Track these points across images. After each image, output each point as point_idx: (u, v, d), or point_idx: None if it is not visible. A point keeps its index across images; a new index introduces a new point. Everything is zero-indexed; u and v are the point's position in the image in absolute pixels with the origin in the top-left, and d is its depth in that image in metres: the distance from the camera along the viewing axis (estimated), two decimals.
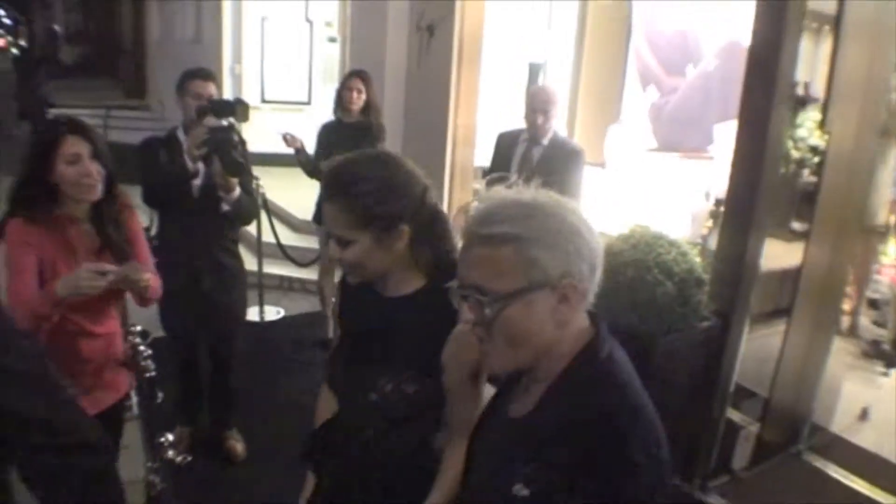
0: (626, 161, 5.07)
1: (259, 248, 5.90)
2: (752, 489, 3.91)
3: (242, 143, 3.75)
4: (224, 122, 3.56)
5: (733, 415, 3.94)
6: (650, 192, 4.78)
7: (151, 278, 2.64)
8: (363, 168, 1.77)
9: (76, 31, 25.04)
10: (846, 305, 4.78)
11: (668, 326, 3.38)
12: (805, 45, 3.63)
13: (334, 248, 1.77)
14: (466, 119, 5.81)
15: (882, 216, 4.72)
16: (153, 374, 2.63)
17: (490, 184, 4.49)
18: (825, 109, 3.86)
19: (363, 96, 5.10)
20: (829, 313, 4.09)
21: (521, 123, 4.51)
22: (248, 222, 4.10)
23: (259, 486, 3.79)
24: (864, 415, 4.46)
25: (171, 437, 2.27)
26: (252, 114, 3.83)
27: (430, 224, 1.81)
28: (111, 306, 2.70)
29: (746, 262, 3.54)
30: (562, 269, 1.32)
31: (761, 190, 3.47)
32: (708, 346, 3.60)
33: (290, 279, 6.67)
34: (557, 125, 4.48)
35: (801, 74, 4.16)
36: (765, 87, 3.42)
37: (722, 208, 3.79)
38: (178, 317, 3.88)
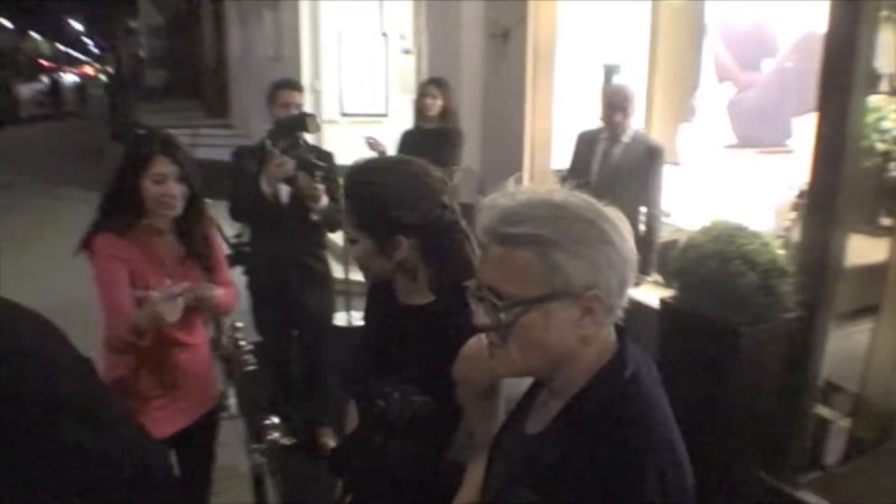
0: (702, 158, 5.07)
1: (345, 255, 6.05)
2: (845, 485, 3.85)
3: (322, 153, 3.94)
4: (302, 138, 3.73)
5: (823, 411, 3.91)
6: (729, 188, 4.77)
7: (223, 293, 2.72)
8: (373, 174, 1.80)
9: (160, 55, 25.99)
10: None
11: (753, 318, 3.38)
12: (890, 37, 3.60)
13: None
14: (543, 122, 5.87)
15: None
16: (253, 367, 2.73)
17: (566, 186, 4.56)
18: None
19: (439, 102, 5.23)
20: None
21: (598, 124, 4.57)
22: (334, 230, 4.20)
23: None
24: None
25: (275, 419, 2.37)
26: (332, 128, 4.02)
27: (440, 241, 1.75)
28: (199, 315, 2.77)
29: (830, 255, 3.51)
30: (587, 279, 1.22)
31: (843, 183, 3.44)
32: (794, 338, 3.59)
33: None
34: (635, 124, 4.51)
35: (886, 67, 4.11)
36: (841, 78, 3.40)
37: (804, 200, 3.77)
38: (269, 319, 4.06)
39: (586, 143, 4.54)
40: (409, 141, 5.40)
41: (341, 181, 1.97)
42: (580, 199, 1.28)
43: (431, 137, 5.25)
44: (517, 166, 5.91)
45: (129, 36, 35.92)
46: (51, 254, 7.34)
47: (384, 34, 9.29)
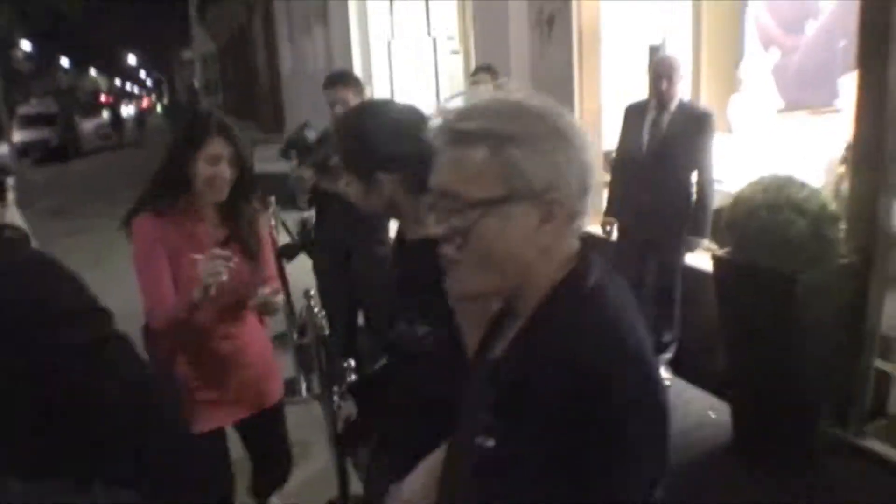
0: (753, 125, 5.13)
1: None
2: None
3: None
4: None
5: (885, 366, 3.95)
6: (781, 152, 4.83)
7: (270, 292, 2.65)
8: (352, 116, 1.94)
9: (214, 80, 26.68)
10: None
11: (806, 264, 3.46)
12: None
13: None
14: (591, 105, 5.98)
15: None
16: (327, 332, 2.70)
17: (616, 161, 4.65)
18: None
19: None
20: None
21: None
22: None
23: None
24: None
25: (352, 362, 2.46)
26: None
27: (422, 174, 1.76)
28: (246, 310, 2.74)
29: (879, 208, 3.59)
30: (546, 179, 1.14)
31: (886, 139, 3.52)
32: (850, 287, 3.65)
33: None
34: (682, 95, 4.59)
35: None
36: (880, 33, 3.48)
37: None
38: (334, 297, 4.26)
39: (634, 114, 4.62)
40: None
41: None
42: (540, 98, 1.20)
43: None
44: None
45: (183, 67, 36.95)
46: (117, 269, 7.73)
47: (432, 37, 9.49)
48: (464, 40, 8.17)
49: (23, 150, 24.29)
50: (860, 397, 3.88)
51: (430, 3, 9.39)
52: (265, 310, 2.74)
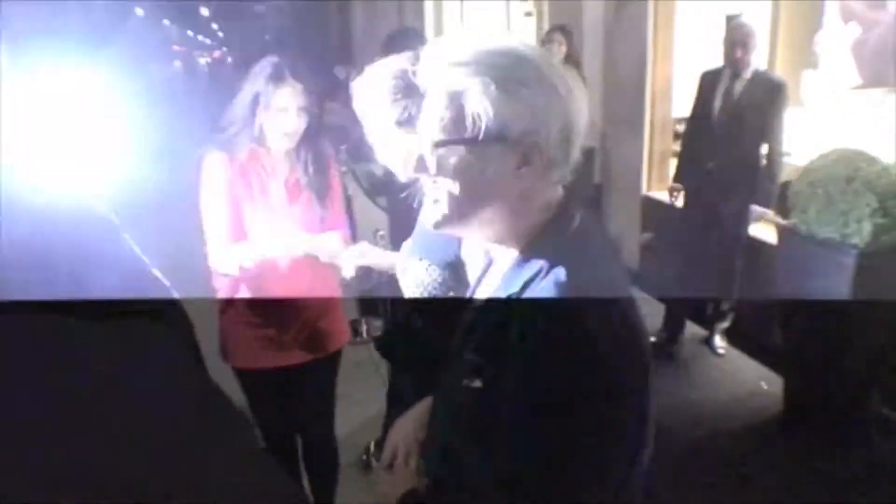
0: (827, 100, 5.06)
1: None
2: None
3: None
4: None
5: None
6: (854, 128, 4.76)
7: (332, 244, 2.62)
8: None
9: (285, 36, 26.89)
10: None
11: (871, 240, 3.46)
12: None
13: None
14: (664, 71, 5.96)
15: None
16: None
17: (687, 126, 4.61)
18: None
19: (563, 48, 5.44)
20: None
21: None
22: None
23: None
24: None
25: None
26: None
27: None
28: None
29: None
30: (525, 123, 1.15)
31: None
32: None
33: None
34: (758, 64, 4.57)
35: None
36: None
37: None
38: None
39: (708, 81, 4.61)
40: None
41: None
42: (532, 48, 1.22)
43: None
44: (638, 115, 6.03)
45: (255, 20, 37.32)
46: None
47: None
48: (537, 2, 8.14)
49: None
50: None
51: None
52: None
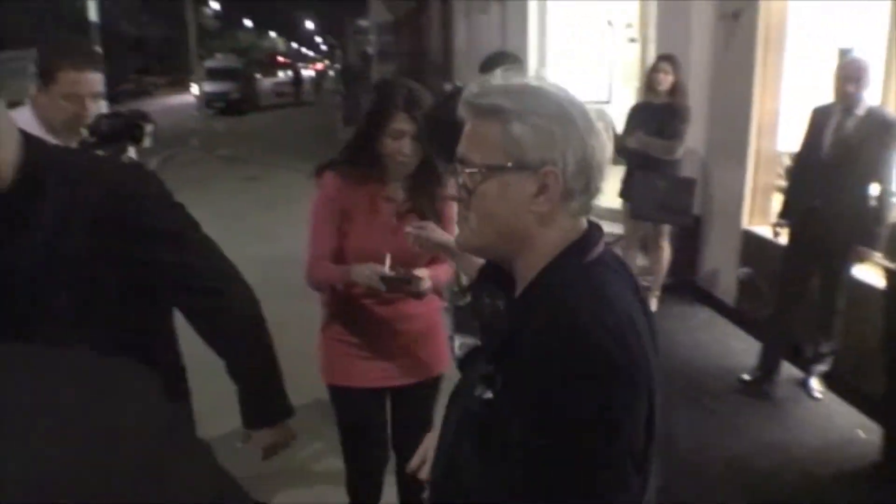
0: None
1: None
2: None
3: None
4: None
5: None
6: None
7: (433, 275, 2.58)
8: None
9: (388, 50, 27.35)
10: None
11: None
12: None
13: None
14: (771, 104, 5.83)
15: None
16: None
17: (796, 162, 4.53)
18: None
19: (670, 77, 5.42)
20: None
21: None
22: None
23: None
24: None
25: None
26: None
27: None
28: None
29: None
30: (544, 153, 1.27)
31: None
32: None
33: None
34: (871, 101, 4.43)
35: None
36: None
37: None
38: None
39: (820, 117, 4.49)
40: (637, 115, 5.61)
41: None
42: (556, 86, 1.33)
43: (659, 111, 5.46)
44: (742, 148, 5.92)
45: (358, 34, 38.08)
46: (288, 215, 8.31)
47: (610, 23, 9.44)
48: (642, 29, 8.09)
49: (207, 101, 25.98)
50: None
51: None
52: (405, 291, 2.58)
